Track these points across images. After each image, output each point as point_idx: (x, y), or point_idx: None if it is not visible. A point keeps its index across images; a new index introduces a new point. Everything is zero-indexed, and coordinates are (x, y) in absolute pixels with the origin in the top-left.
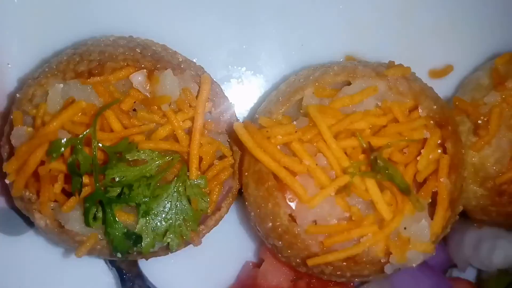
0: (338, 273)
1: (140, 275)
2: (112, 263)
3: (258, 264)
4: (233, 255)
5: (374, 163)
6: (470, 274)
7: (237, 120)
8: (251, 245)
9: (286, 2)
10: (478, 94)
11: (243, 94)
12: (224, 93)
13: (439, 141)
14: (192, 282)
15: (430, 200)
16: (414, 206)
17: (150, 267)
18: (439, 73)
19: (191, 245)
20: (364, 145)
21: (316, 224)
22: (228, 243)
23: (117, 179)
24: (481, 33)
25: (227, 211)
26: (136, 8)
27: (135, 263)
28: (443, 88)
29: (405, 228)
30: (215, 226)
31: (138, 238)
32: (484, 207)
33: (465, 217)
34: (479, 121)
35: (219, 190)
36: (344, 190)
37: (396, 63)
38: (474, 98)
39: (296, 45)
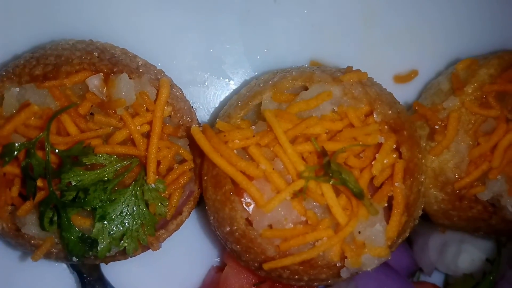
0: (296, 277)
1: (101, 279)
2: (73, 267)
3: (221, 269)
4: (199, 259)
5: (327, 167)
6: (438, 278)
7: (199, 124)
8: (218, 250)
9: (251, 7)
10: (438, 99)
11: (207, 98)
12: (185, 97)
13: (394, 146)
14: (157, 287)
15: (385, 205)
16: (368, 210)
17: (114, 272)
18: (404, 78)
19: (162, 249)
20: (319, 150)
21: (271, 228)
22: (195, 247)
23: (73, 183)
24: (446, 38)
25: (188, 215)
26: (100, 13)
27: (96, 267)
28: (408, 93)
29: (359, 232)
30: (176, 230)
31: (93, 242)
32: (446, 212)
33: (429, 221)
34: (436, 126)
35: (180, 194)
36: (300, 194)
37: (360, 68)
38: (434, 103)
39: (261, 49)
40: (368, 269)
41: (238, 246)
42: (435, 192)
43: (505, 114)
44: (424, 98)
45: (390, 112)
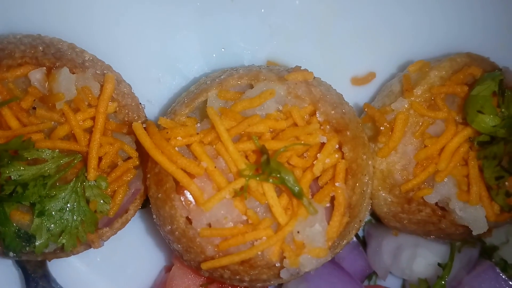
0: (237, 277)
1: (46, 277)
2: (18, 263)
3: (170, 269)
4: (152, 259)
5: (265, 166)
6: (396, 282)
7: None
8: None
9: (208, 6)
10: (388, 100)
11: (161, 95)
12: (134, 93)
13: (337, 146)
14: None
15: (327, 205)
16: (307, 210)
17: (63, 271)
18: (361, 80)
19: (114, 248)
20: (259, 148)
21: (210, 227)
22: (148, 247)
23: (13, 177)
24: (404, 41)
25: (134, 214)
26: (54, 8)
27: (42, 264)
28: (367, 95)
29: (298, 232)
30: (121, 228)
31: (30, 238)
32: (395, 214)
33: (383, 224)
34: (381, 128)
35: (124, 192)
36: (241, 193)
37: (318, 70)
38: (384, 104)
39: (217, 48)
40: (307, 270)
41: (179, 246)
42: (384, 194)
43: (453, 117)
44: (376, 100)
45: (333, 112)
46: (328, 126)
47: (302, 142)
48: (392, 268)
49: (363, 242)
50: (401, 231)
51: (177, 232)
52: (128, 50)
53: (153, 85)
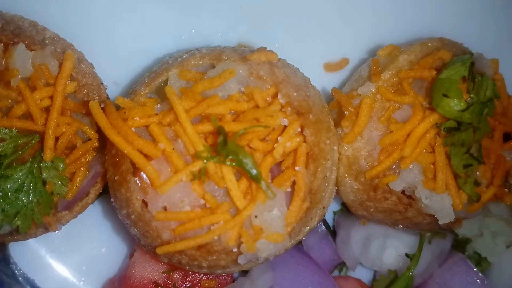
0: (195, 263)
1: (6, 260)
2: None
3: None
4: (117, 245)
5: (221, 147)
6: (367, 273)
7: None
8: None
9: None
10: (357, 85)
11: (129, 77)
12: (96, 73)
13: (299, 130)
14: (75, 271)
15: (288, 190)
16: (265, 194)
17: (27, 256)
18: (334, 66)
19: (77, 233)
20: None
21: (166, 210)
22: (113, 232)
23: None
24: (377, 26)
25: (95, 197)
26: None
27: (3, 248)
28: (342, 81)
29: (256, 217)
30: (81, 212)
31: None
32: (362, 202)
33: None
34: (345, 112)
35: (83, 174)
36: (198, 176)
37: (290, 55)
38: (353, 89)
39: (187, 30)
40: (264, 255)
41: (136, 230)
42: (350, 181)
43: (420, 102)
44: (346, 85)
45: (295, 94)
46: (289, 109)
47: (262, 124)
48: (362, 259)
49: (333, 232)
50: (369, 220)
51: (133, 216)
52: (95, 30)
53: (120, 67)
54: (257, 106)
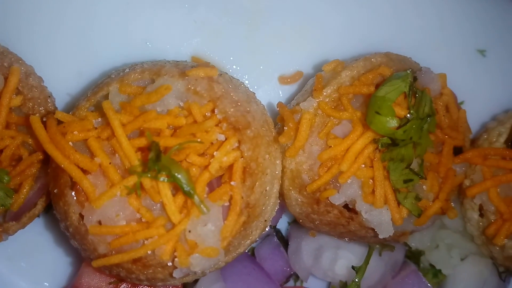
0: (133, 276)
1: None
2: None
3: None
4: (68, 256)
5: (152, 163)
6: (322, 285)
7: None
8: None
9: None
10: (302, 99)
11: (82, 89)
12: (45, 86)
13: (236, 145)
14: (24, 281)
15: (226, 204)
16: (198, 209)
17: None
18: (289, 79)
19: (29, 243)
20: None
21: (100, 224)
22: (64, 243)
23: None
24: (331, 40)
25: (42, 209)
26: None
27: None
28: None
29: (189, 232)
30: (28, 223)
31: None
32: (308, 215)
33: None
34: (284, 127)
35: (29, 186)
36: (133, 190)
37: (245, 67)
38: (298, 103)
39: (141, 43)
40: (197, 270)
41: (75, 242)
42: (295, 194)
43: (358, 117)
44: (294, 99)
45: (232, 110)
46: (225, 124)
47: (198, 139)
48: (314, 270)
49: (287, 243)
50: (318, 231)
51: (71, 229)
52: (48, 43)
53: (74, 79)
54: (195, 121)
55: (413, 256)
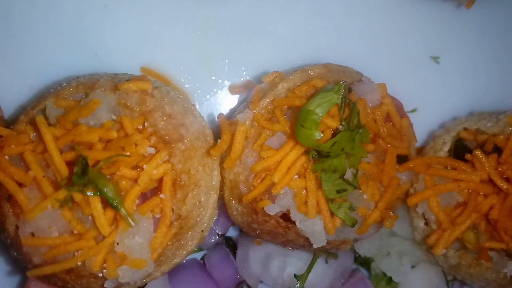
0: (69, 286)
1: None
2: None
3: None
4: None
5: (77, 177)
6: None
7: None
8: None
9: (80, 11)
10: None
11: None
12: None
13: (166, 158)
14: None
15: (158, 215)
16: (125, 221)
17: None
18: (239, 88)
19: None
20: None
21: (33, 236)
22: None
23: None
24: (282, 49)
25: None
26: None
27: None
28: None
29: (117, 244)
30: None
31: None
32: (249, 224)
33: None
34: (218, 140)
35: None
36: (65, 203)
37: (196, 77)
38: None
39: (90, 54)
40: (126, 281)
41: (15, 253)
42: (235, 204)
43: (291, 129)
44: (237, 110)
45: (162, 123)
46: (154, 138)
47: (127, 153)
48: (264, 278)
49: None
50: (263, 240)
51: (8, 240)
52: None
53: (25, 91)
54: (127, 135)
55: (365, 263)
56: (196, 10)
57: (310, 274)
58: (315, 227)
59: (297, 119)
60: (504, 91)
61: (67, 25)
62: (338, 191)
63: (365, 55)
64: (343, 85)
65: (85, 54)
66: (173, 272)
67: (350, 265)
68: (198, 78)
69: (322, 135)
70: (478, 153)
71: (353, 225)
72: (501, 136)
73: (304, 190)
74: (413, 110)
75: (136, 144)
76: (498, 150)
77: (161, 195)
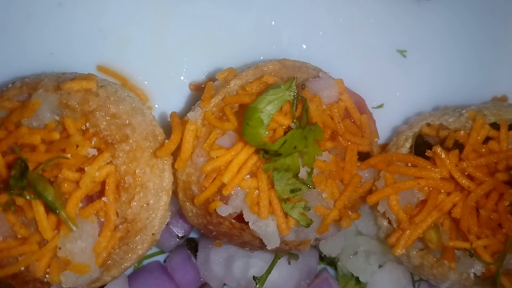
0: None
1: None
2: None
3: None
4: None
5: (15, 180)
6: None
7: None
8: None
9: (34, 10)
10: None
11: None
12: None
13: (110, 159)
14: None
15: (102, 219)
16: (66, 226)
17: None
18: (199, 86)
19: None
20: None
21: None
22: None
23: None
24: (240, 47)
25: None
26: None
27: None
28: None
29: (60, 248)
30: None
31: None
32: (205, 226)
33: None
34: (166, 140)
35: None
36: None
37: (150, 75)
38: None
39: (45, 53)
40: (69, 286)
41: None
42: (190, 206)
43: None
44: (191, 108)
45: (105, 123)
46: (95, 139)
47: (68, 155)
48: (226, 280)
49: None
50: (222, 241)
51: None
52: None
53: None
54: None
55: (333, 263)
56: (154, 6)
57: (275, 276)
58: (268, 228)
59: (244, 117)
60: (471, 85)
61: (21, 24)
62: (292, 191)
63: (329, 50)
64: (295, 81)
65: (41, 53)
66: (134, 275)
67: (315, 266)
68: (157, 75)
69: (267, 133)
70: (437, 149)
71: (308, 225)
72: (462, 132)
73: (257, 190)
74: (380, 106)
75: (77, 146)
76: (461, 146)
77: (103, 198)
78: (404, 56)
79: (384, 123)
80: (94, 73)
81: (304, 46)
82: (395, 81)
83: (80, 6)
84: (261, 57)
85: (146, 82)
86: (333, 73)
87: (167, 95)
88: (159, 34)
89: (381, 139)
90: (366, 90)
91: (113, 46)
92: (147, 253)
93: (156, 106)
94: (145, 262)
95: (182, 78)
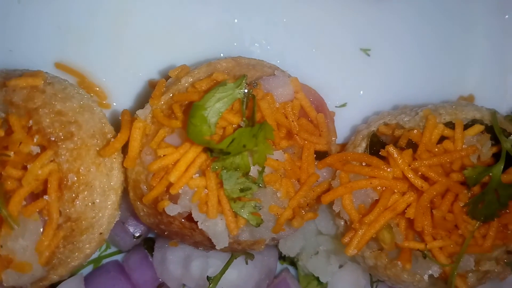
0: None
1: None
2: None
3: None
4: None
5: None
6: None
7: None
8: None
9: None
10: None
11: None
12: None
13: (52, 158)
14: None
15: (39, 219)
16: (7, 224)
17: None
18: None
19: None
20: None
21: None
22: None
23: None
24: (199, 44)
25: None
26: None
27: None
28: None
29: (1, 246)
30: None
31: None
32: (157, 225)
33: None
34: (112, 138)
35: None
36: None
37: (112, 72)
38: None
39: (4, 50)
40: (10, 285)
41: None
42: (140, 205)
43: None
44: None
45: (48, 120)
46: (37, 136)
47: (11, 152)
48: (186, 280)
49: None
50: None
51: None
52: None
53: None
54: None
55: (293, 263)
56: (114, 2)
57: (234, 276)
58: (217, 227)
59: (188, 115)
60: (436, 84)
61: None
62: (242, 190)
63: (292, 48)
64: (246, 79)
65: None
66: (90, 274)
67: (274, 266)
68: (117, 73)
69: (213, 131)
70: (390, 148)
71: (258, 225)
72: (415, 131)
73: (206, 189)
74: (343, 105)
75: (20, 143)
76: (416, 146)
77: (44, 197)
78: (368, 55)
79: (347, 122)
80: (52, 70)
81: (267, 46)
82: (358, 80)
83: (39, 3)
84: (222, 55)
85: (104, 79)
86: (296, 72)
87: (126, 93)
88: (118, 31)
89: (344, 138)
90: (329, 89)
91: (72, 43)
92: (106, 253)
93: (114, 104)
94: (104, 261)
95: (141, 75)
